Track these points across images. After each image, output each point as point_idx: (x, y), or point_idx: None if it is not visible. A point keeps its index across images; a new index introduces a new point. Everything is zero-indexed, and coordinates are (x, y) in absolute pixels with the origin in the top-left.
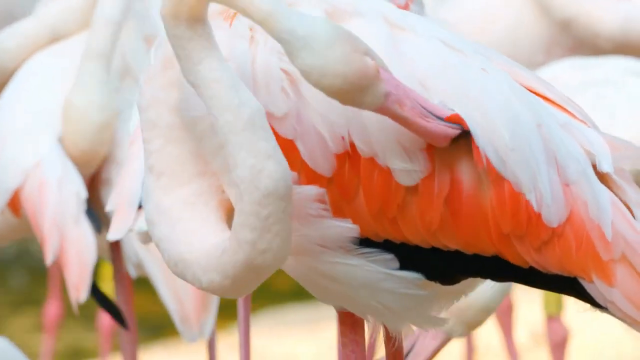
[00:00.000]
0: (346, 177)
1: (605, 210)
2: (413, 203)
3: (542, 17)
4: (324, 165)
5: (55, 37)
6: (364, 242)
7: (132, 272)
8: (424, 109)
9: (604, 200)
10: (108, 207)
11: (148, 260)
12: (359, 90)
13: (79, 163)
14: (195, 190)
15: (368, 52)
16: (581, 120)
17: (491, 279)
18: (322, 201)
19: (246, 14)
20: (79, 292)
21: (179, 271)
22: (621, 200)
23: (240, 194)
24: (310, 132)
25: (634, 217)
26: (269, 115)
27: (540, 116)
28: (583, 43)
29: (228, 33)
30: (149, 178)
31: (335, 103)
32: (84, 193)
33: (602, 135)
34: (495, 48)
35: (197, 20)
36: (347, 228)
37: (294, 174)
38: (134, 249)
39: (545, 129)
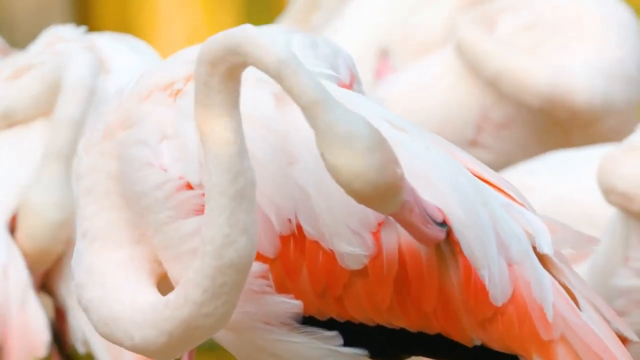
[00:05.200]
0: (291, 257)
1: (546, 291)
2: (359, 284)
3: (473, 92)
4: (267, 247)
5: (10, 119)
6: (308, 320)
7: (80, 349)
8: (426, 213)
9: (545, 281)
10: None
11: (93, 337)
12: (383, 197)
13: (33, 259)
14: (128, 255)
15: (397, 161)
16: (519, 203)
17: (435, 358)
18: (265, 277)
19: (291, 94)
20: None
21: (109, 331)
22: (560, 282)
23: (203, 252)
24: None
25: (574, 299)
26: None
27: (484, 195)
28: (514, 119)
29: (173, 111)
30: (81, 243)
31: (282, 185)
32: (28, 280)
33: (540, 218)
34: (426, 123)
35: (233, 77)
36: (291, 304)
37: None
38: (80, 326)
39: (490, 208)
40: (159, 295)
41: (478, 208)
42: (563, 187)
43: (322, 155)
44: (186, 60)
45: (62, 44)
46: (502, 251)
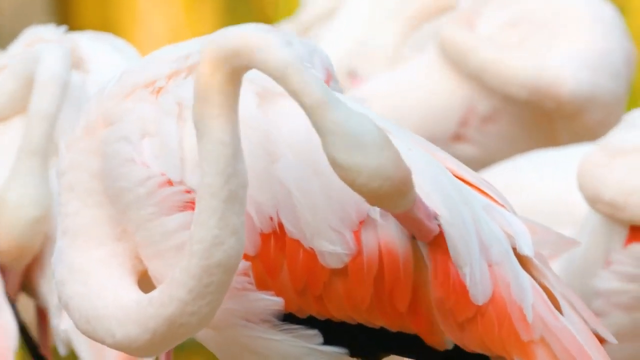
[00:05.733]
0: (271, 255)
1: (526, 293)
2: (339, 283)
3: (459, 85)
4: (248, 245)
5: None
6: (288, 317)
7: (61, 350)
8: (428, 210)
9: (525, 283)
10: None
11: (76, 338)
12: (400, 194)
13: (12, 256)
14: (110, 251)
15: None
16: (500, 204)
17: (414, 358)
18: (246, 274)
19: (296, 96)
20: None
21: (91, 328)
22: (540, 284)
23: (191, 252)
24: None
25: (554, 300)
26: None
27: (465, 196)
28: (500, 112)
29: (155, 108)
30: (62, 240)
31: (264, 183)
32: (1, 285)
33: (521, 219)
34: (410, 118)
35: (234, 79)
36: (272, 302)
37: None
38: (62, 327)
39: (471, 208)
40: (141, 293)
41: (460, 208)
42: (548, 186)
43: (333, 158)
44: (169, 58)
45: (42, 44)
46: (482, 251)
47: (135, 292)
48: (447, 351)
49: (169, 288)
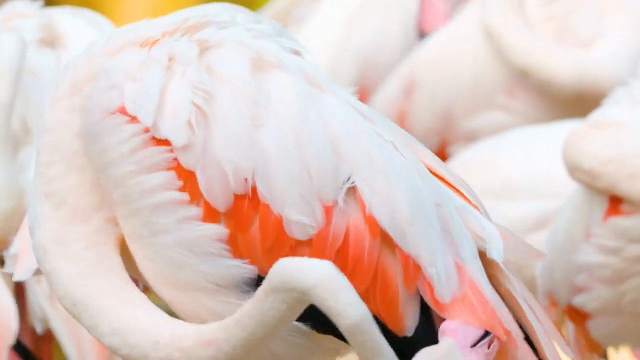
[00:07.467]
0: (244, 213)
1: (492, 295)
2: (305, 250)
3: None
4: (220, 201)
5: None
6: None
7: (38, 327)
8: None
9: (487, 288)
10: (12, 250)
11: (53, 315)
12: None
13: None
14: (95, 227)
15: None
16: (474, 206)
17: None
18: (223, 241)
19: (331, 316)
20: None
21: (77, 312)
22: (506, 289)
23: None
24: (213, 168)
25: (518, 307)
26: (172, 144)
27: (440, 196)
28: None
29: (143, 58)
30: (44, 204)
31: (245, 146)
32: None
33: (494, 224)
34: (456, 86)
35: (299, 305)
36: (246, 269)
37: (199, 211)
38: (39, 304)
39: (444, 209)
40: (142, 305)
41: (428, 208)
42: (526, 161)
43: None
44: (164, 22)
45: (19, 19)
46: (452, 251)
47: (132, 308)
48: (405, 338)
49: (245, 318)
